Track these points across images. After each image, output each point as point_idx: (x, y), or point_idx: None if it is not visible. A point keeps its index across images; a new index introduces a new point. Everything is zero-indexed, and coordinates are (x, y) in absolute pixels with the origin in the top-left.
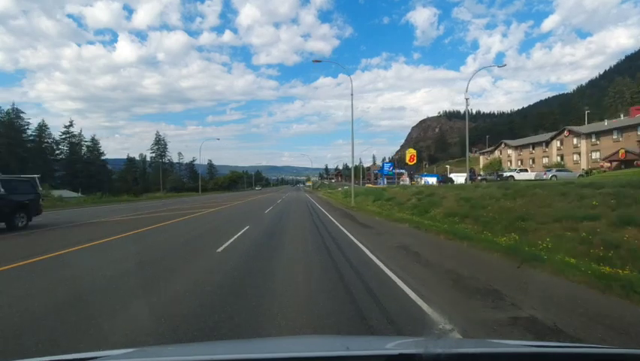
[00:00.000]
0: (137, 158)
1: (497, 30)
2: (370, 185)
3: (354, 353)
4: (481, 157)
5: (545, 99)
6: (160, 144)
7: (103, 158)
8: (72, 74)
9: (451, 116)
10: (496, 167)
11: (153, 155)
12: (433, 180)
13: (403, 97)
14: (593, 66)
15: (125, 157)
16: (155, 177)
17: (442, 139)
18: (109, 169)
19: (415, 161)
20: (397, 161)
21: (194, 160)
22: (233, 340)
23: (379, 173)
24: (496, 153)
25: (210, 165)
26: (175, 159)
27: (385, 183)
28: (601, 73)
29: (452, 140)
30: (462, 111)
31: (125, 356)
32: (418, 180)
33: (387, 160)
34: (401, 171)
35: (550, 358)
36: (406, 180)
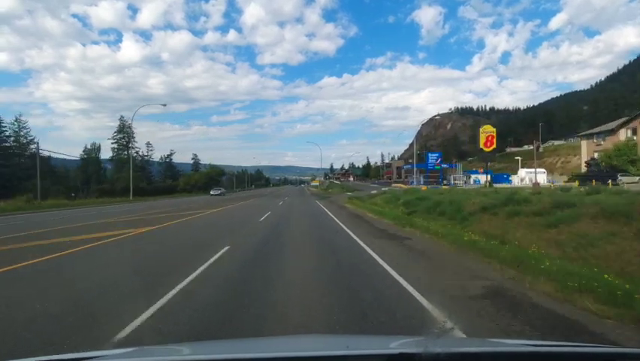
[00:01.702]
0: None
1: (503, 29)
2: (401, 185)
3: (354, 353)
4: (584, 143)
5: (555, 97)
6: (125, 132)
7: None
8: (77, 73)
9: (464, 112)
10: (627, 154)
11: (115, 146)
12: (484, 179)
13: (408, 97)
14: (600, 65)
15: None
16: (114, 173)
17: (474, 135)
18: (50, 165)
19: (493, 145)
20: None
21: (172, 153)
22: (233, 339)
23: (412, 169)
24: (621, 134)
25: (196, 162)
26: (153, 154)
27: (422, 182)
28: (620, 68)
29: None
30: (475, 108)
31: (125, 356)
32: (465, 178)
33: (396, 158)
34: (443, 164)
35: (550, 357)
36: (452, 178)
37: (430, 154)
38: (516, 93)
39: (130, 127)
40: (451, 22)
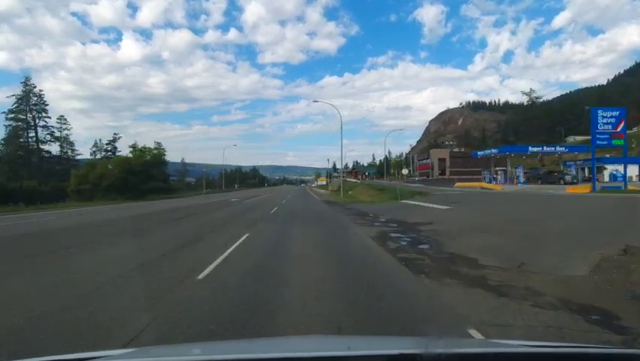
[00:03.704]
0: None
1: (506, 28)
2: (482, 184)
3: (354, 353)
4: None
5: (559, 96)
6: (29, 102)
7: None
8: (77, 73)
9: (476, 107)
10: None
11: (12, 123)
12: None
13: (409, 96)
14: (603, 64)
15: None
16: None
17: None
18: None
19: None
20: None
21: (116, 138)
22: (234, 340)
23: (501, 155)
24: None
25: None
26: (71, 136)
27: (521, 178)
28: (638, 61)
29: (486, 133)
30: (487, 102)
31: (125, 356)
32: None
33: (403, 156)
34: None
35: (551, 358)
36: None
37: (600, 110)
38: (517, 93)
39: (41, 95)
40: (453, 20)
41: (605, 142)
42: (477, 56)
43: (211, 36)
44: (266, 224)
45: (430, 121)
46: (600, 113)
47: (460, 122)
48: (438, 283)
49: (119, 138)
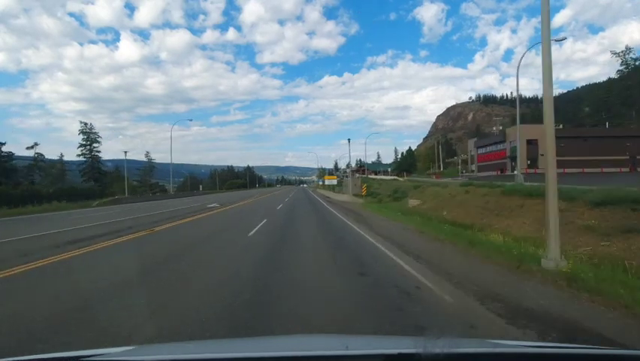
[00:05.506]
0: None
1: (507, 26)
2: None
3: (353, 353)
4: None
5: (559, 95)
6: None
7: None
8: (75, 74)
9: (487, 101)
10: None
11: None
12: None
13: (408, 96)
14: (604, 63)
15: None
16: None
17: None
18: None
19: None
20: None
21: None
22: (232, 338)
23: None
24: None
25: (90, 144)
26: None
27: None
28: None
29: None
30: (499, 96)
31: (124, 355)
32: None
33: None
34: None
35: (550, 358)
36: None
37: None
38: (521, 90)
39: None
40: (453, 19)
41: None
42: (477, 54)
43: (209, 36)
44: None
45: (438, 116)
46: None
47: (470, 117)
48: None
49: None
